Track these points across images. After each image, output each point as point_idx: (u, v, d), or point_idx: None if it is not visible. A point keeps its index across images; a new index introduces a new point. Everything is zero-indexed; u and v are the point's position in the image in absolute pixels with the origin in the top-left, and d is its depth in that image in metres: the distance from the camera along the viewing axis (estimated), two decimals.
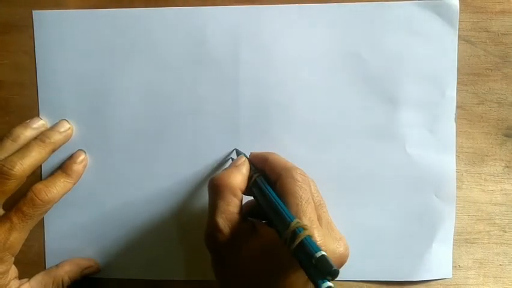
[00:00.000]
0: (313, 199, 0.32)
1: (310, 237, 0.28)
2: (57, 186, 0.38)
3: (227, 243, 0.32)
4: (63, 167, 0.39)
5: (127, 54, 0.39)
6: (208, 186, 0.34)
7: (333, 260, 0.28)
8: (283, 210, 0.30)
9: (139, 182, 0.40)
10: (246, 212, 0.34)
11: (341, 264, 0.32)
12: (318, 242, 0.29)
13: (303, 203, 0.31)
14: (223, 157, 0.39)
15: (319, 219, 0.32)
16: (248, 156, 0.37)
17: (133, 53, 0.39)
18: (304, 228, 0.28)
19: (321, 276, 0.26)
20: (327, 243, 0.30)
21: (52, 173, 0.39)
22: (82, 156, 0.39)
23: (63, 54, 0.39)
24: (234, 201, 0.32)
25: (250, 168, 0.35)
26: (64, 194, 0.38)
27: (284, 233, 0.28)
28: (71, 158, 0.39)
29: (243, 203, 0.34)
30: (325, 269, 0.26)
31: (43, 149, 0.37)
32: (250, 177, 0.34)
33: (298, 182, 0.32)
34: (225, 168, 0.35)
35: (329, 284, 0.26)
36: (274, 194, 0.32)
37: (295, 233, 0.28)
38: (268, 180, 0.34)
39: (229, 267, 0.32)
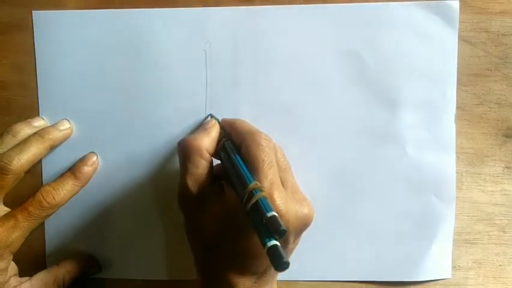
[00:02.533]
0: (277, 163, 0.33)
1: (265, 198, 0.28)
2: (65, 190, 0.38)
3: (196, 204, 0.33)
4: (73, 169, 0.39)
5: (127, 55, 0.39)
6: (177, 148, 0.34)
7: (297, 220, 0.30)
8: (244, 172, 0.31)
9: (139, 182, 0.40)
10: (218, 174, 0.34)
11: (306, 225, 0.32)
12: (278, 202, 0.30)
13: (265, 165, 0.31)
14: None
15: (283, 182, 0.32)
16: (220, 121, 0.37)
17: (133, 54, 0.39)
18: (261, 190, 0.29)
19: (269, 235, 0.27)
20: (289, 205, 0.31)
21: (61, 175, 0.39)
22: (93, 159, 0.39)
23: (63, 54, 0.39)
24: (202, 163, 0.33)
25: (220, 133, 0.36)
26: (71, 197, 0.38)
27: (242, 194, 0.29)
28: (82, 160, 0.39)
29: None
30: (274, 228, 0.26)
31: (41, 144, 0.37)
32: (219, 141, 0.35)
33: (262, 146, 0.32)
34: (194, 131, 0.36)
35: (275, 242, 0.26)
36: (238, 158, 0.32)
37: (252, 194, 0.29)
38: (235, 144, 0.34)
39: (196, 227, 0.33)
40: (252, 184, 0.29)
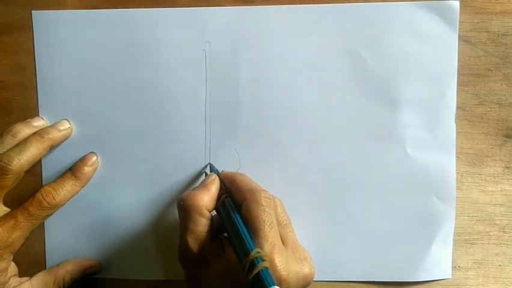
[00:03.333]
0: (278, 220, 0.33)
1: (267, 269, 0.29)
2: (65, 190, 0.38)
3: (196, 261, 0.33)
4: (73, 169, 0.39)
5: (127, 55, 0.39)
6: (177, 205, 0.34)
7: (297, 282, 0.30)
8: (245, 237, 0.31)
9: (139, 181, 0.40)
10: (217, 226, 0.34)
11: (306, 284, 0.33)
12: (279, 267, 0.30)
13: (266, 227, 0.31)
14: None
15: (284, 240, 0.32)
16: (220, 174, 0.37)
17: (133, 54, 0.39)
18: (263, 259, 0.29)
19: None
20: (289, 267, 0.31)
21: (61, 175, 0.39)
22: (93, 159, 0.39)
23: (63, 54, 0.39)
24: (202, 221, 0.33)
25: (221, 187, 0.35)
26: (71, 198, 0.38)
27: (243, 261, 0.29)
28: (82, 160, 0.39)
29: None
30: None
31: (41, 144, 0.37)
32: (219, 196, 0.35)
33: (262, 205, 0.32)
34: (195, 187, 0.36)
35: None
36: (238, 218, 0.32)
37: (253, 263, 0.29)
38: (235, 201, 0.34)
39: (198, 284, 0.33)
40: (254, 252, 0.29)
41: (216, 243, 0.33)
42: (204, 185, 0.35)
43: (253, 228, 0.31)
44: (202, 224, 0.33)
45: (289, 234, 0.33)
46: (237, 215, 0.32)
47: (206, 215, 0.33)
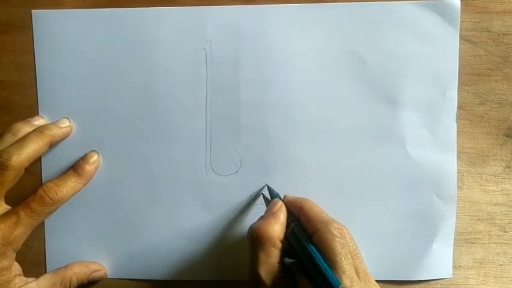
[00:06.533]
0: (349, 250, 0.32)
1: None
2: (68, 186, 0.38)
3: None
4: (75, 167, 0.39)
5: (127, 54, 0.39)
6: (248, 236, 0.34)
7: None
8: (327, 271, 0.30)
9: (139, 181, 0.40)
10: (285, 254, 0.34)
11: None
12: None
13: (343, 259, 0.31)
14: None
15: (357, 271, 0.32)
16: (282, 199, 0.36)
17: (133, 53, 0.39)
18: None
19: None
20: None
21: (64, 173, 0.39)
22: (94, 157, 0.39)
23: (62, 53, 0.39)
24: (275, 252, 0.33)
25: (288, 215, 0.35)
26: (73, 195, 0.38)
27: None
28: (84, 158, 0.39)
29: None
30: None
31: (41, 140, 0.37)
32: (287, 224, 0.34)
33: (337, 237, 0.32)
34: (262, 216, 0.35)
35: None
36: (315, 250, 0.32)
37: None
38: (304, 229, 0.34)
39: None
40: None
41: (287, 277, 0.32)
42: (272, 213, 0.34)
43: (328, 260, 0.31)
44: (274, 255, 0.32)
45: (361, 264, 0.33)
46: (312, 246, 0.32)
47: (278, 245, 0.33)
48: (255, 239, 0.33)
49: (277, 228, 0.33)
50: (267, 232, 0.33)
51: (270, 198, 0.38)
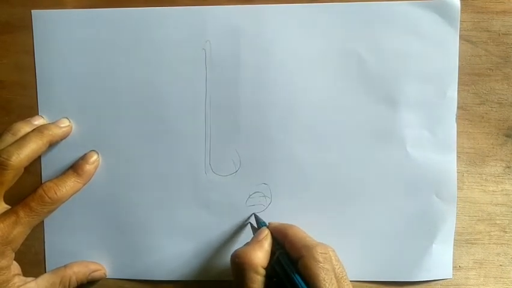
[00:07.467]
0: (335, 273, 0.32)
1: None
2: (67, 186, 0.38)
3: None
4: (74, 167, 0.39)
5: (127, 54, 0.39)
6: (231, 262, 0.34)
7: None
8: None
9: (138, 181, 0.40)
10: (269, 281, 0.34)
11: None
12: None
13: (327, 285, 0.31)
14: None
15: None
16: (267, 226, 0.36)
17: (133, 53, 0.39)
18: None
19: None
20: None
21: (63, 172, 0.39)
22: (94, 157, 0.39)
23: (62, 53, 0.39)
24: (258, 279, 0.33)
25: (273, 242, 0.35)
26: (72, 194, 0.38)
27: None
28: (83, 158, 0.39)
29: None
30: None
31: (41, 140, 0.37)
32: (272, 252, 0.34)
33: (320, 263, 0.32)
34: (247, 243, 0.35)
35: None
36: (299, 279, 0.32)
37: None
38: (290, 257, 0.34)
39: None
40: None
41: None
42: (257, 240, 0.35)
43: (313, 287, 0.31)
44: (258, 282, 0.33)
45: (347, 287, 0.33)
46: (296, 275, 0.32)
47: (262, 272, 0.33)
48: (238, 264, 0.33)
49: (260, 255, 0.33)
50: (250, 258, 0.33)
51: (256, 227, 0.38)
